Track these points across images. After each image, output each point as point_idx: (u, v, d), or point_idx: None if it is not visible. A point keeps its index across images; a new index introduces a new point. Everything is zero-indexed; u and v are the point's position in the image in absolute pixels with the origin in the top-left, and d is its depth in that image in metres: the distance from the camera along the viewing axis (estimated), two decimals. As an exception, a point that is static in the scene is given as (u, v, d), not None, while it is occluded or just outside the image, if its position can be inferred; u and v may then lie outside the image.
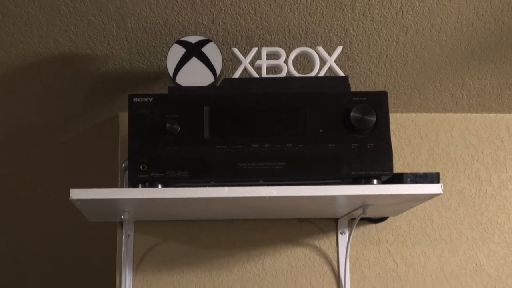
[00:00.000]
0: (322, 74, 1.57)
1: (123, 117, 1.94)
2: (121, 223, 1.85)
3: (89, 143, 2.18)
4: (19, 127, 2.07)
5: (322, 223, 1.92)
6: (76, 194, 1.44)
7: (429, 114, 2.03)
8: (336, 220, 1.92)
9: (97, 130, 2.09)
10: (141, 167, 1.45)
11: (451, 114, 2.04)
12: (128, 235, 1.86)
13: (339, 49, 1.59)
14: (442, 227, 1.96)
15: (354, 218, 1.83)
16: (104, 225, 1.92)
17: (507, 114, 2.05)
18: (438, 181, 1.55)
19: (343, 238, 1.91)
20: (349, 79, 1.59)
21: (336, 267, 1.90)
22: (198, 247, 1.89)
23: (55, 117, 2.02)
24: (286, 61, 1.57)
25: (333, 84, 1.54)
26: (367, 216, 1.84)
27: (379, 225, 1.94)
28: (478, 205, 1.99)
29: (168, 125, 1.46)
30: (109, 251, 2.03)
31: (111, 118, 2.00)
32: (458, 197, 1.99)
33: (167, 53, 1.56)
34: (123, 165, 1.75)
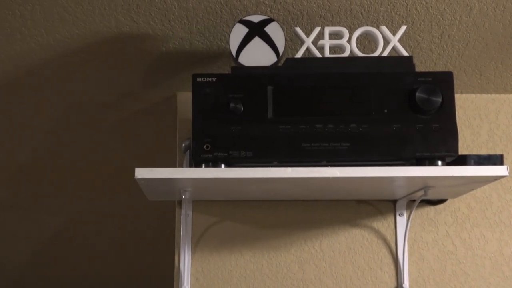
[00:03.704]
0: (385, 54, 1.55)
1: (181, 97, 1.95)
2: (180, 202, 1.86)
3: (146, 122, 2.19)
4: (78, 105, 2.09)
5: (380, 204, 1.91)
6: (141, 173, 1.45)
7: (489, 95, 2.00)
8: (394, 201, 1.90)
9: (155, 109, 2.09)
10: (205, 146, 1.46)
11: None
12: (187, 214, 1.86)
13: (403, 28, 1.57)
14: (502, 210, 1.93)
15: (413, 200, 1.81)
16: (161, 204, 1.94)
17: None
18: (501, 163, 1.54)
19: (401, 220, 1.89)
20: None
21: (394, 249, 1.89)
22: (255, 227, 1.89)
23: (113, 96, 2.03)
24: (349, 41, 1.56)
25: (397, 64, 1.53)
26: (426, 198, 1.82)
27: (438, 207, 1.91)
28: (539, 187, 1.96)
29: (232, 104, 1.46)
30: (167, 230, 2.05)
31: (169, 97, 2.00)
32: (518, 179, 1.96)
33: (229, 33, 1.55)
34: (183, 144, 1.75)
